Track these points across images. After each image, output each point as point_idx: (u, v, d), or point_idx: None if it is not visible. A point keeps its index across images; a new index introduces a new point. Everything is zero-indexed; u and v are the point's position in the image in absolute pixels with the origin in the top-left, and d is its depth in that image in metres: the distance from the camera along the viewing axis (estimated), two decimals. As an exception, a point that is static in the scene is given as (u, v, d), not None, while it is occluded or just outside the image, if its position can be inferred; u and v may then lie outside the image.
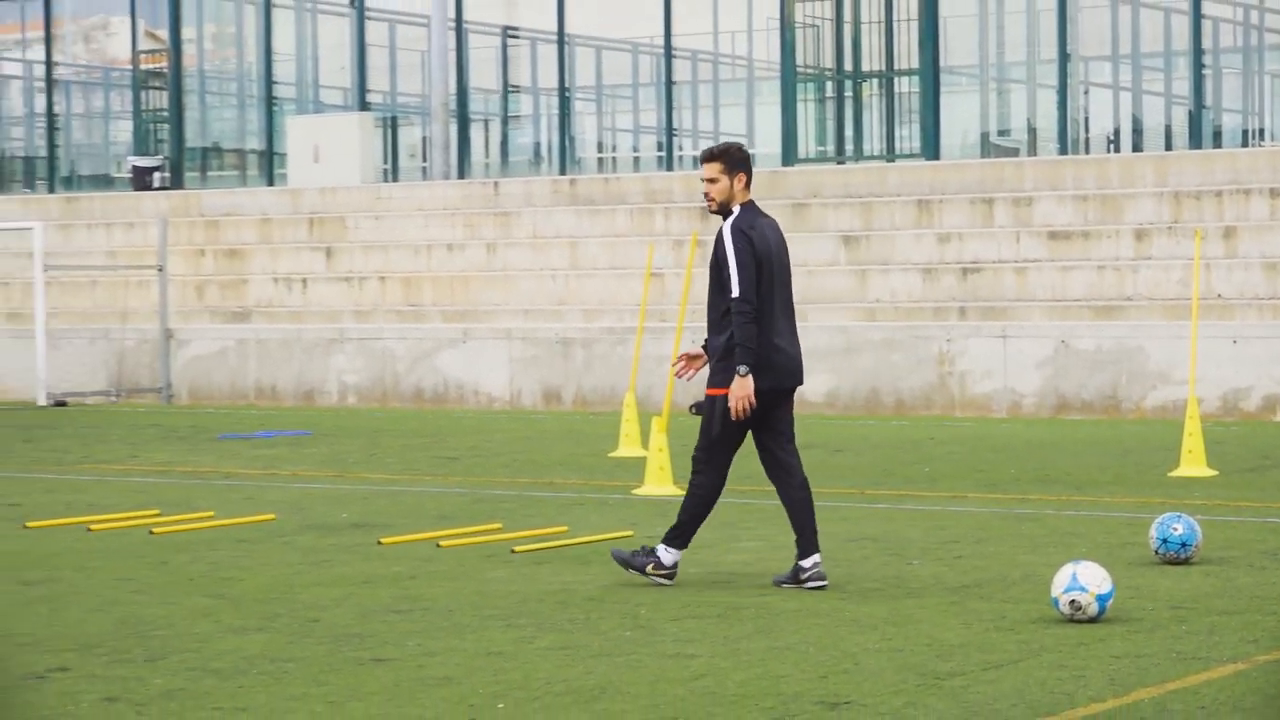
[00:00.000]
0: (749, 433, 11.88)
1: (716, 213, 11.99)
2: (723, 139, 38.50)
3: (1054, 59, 33.73)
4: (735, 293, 11.55)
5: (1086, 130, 34.57)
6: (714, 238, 11.94)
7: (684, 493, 11.97)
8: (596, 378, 29.82)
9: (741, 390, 11.42)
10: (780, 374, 11.82)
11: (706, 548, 13.49)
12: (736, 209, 11.89)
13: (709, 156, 11.92)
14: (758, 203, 12.27)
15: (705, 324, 11.94)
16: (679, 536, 11.84)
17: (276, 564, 12.93)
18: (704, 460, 11.92)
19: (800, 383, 12.14)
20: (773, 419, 11.91)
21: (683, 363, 12.16)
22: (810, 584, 11.53)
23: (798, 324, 12.19)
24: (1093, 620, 10.20)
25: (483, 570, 12.48)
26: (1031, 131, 34.63)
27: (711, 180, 11.84)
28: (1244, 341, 26.00)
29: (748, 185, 12.00)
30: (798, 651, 9.52)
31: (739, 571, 12.34)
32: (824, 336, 28.51)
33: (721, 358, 11.70)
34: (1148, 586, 11.39)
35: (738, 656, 9.41)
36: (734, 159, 11.94)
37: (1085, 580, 10.24)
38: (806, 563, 11.59)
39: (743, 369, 11.44)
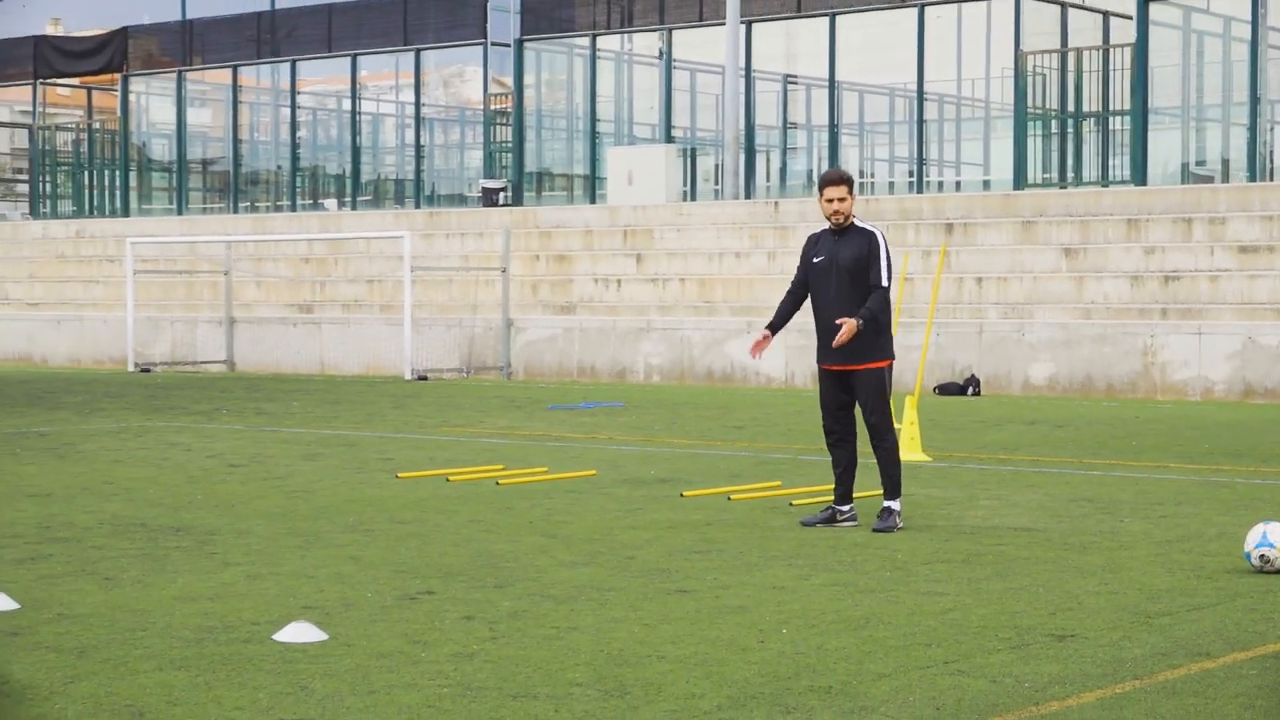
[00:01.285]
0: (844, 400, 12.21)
1: (840, 225, 11.88)
2: (963, 169, 38.42)
3: (1245, 101, 33.12)
4: (885, 283, 11.77)
5: (1271, 161, 33.89)
6: (853, 246, 11.85)
7: (882, 458, 12.03)
8: (857, 363, 29.68)
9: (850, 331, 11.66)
10: None
11: (951, 504, 13.43)
12: (854, 221, 11.89)
13: (840, 179, 11.90)
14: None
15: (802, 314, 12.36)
16: (898, 486, 12.00)
17: (598, 511, 13.01)
18: (889, 420, 12.09)
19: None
20: None
21: (757, 347, 12.35)
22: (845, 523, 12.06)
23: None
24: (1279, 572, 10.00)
25: (767, 519, 12.50)
26: (1224, 162, 34.00)
27: (841, 199, 11.79)
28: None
29: None
30: (1029, 592, 9.43)
31: (979, 525, 12.23)
32: (1047, 331, 28.24)
33: (875, 334, 11.84)
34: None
35: (979, 595, 9.35)
36: (853, 183, 12.05)
37: (1274, 538, 10.04)
38: (844, 507, 12.15)
39: (862, 322, 11.65)
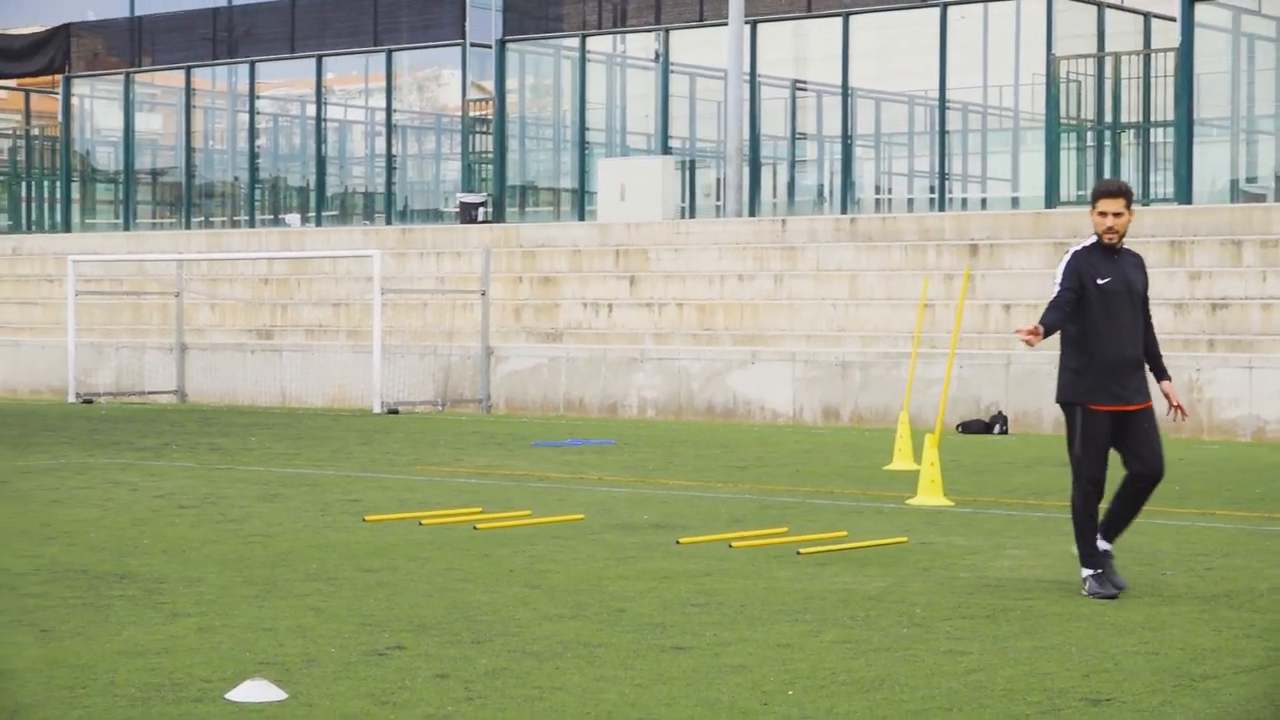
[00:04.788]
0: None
1: (1111, 245, 11.40)
2: (990, 185, 38.45)
3: (1300, 112, 33.20)
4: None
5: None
6: (1135, 270, 11.52)
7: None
8: (872, 397, 29.73)
9: None
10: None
11: (975, 554, 13.42)
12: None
13: (1118, 191, 11.42)
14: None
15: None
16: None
17: (586, 559, 13.02)
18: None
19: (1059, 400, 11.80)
20: None
21: (1026, 334, 11.22)
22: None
23: (1059, 353, 11.87)
24: (1336, 630, 10.01)
25: (771, 569, 12.49)
26: (1278, 178, 34.02)
27: (1117, 214, 11.32)
28: None
29: None
30: (1061, 651, 9.42)
31: (1006, 577, 12.23)
32: (1081, 364, 28.24)
33: (1158, 371, 11.67)
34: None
35: (1006, 654, 9.34)
36: (1132, 195, 11.56)
37: (1330, 592, 10.05)
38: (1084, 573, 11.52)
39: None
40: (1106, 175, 35.38)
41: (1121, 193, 11.36)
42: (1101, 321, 11.29)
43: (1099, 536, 11.46)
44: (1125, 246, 11.49)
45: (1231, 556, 13.39)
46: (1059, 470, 21.29)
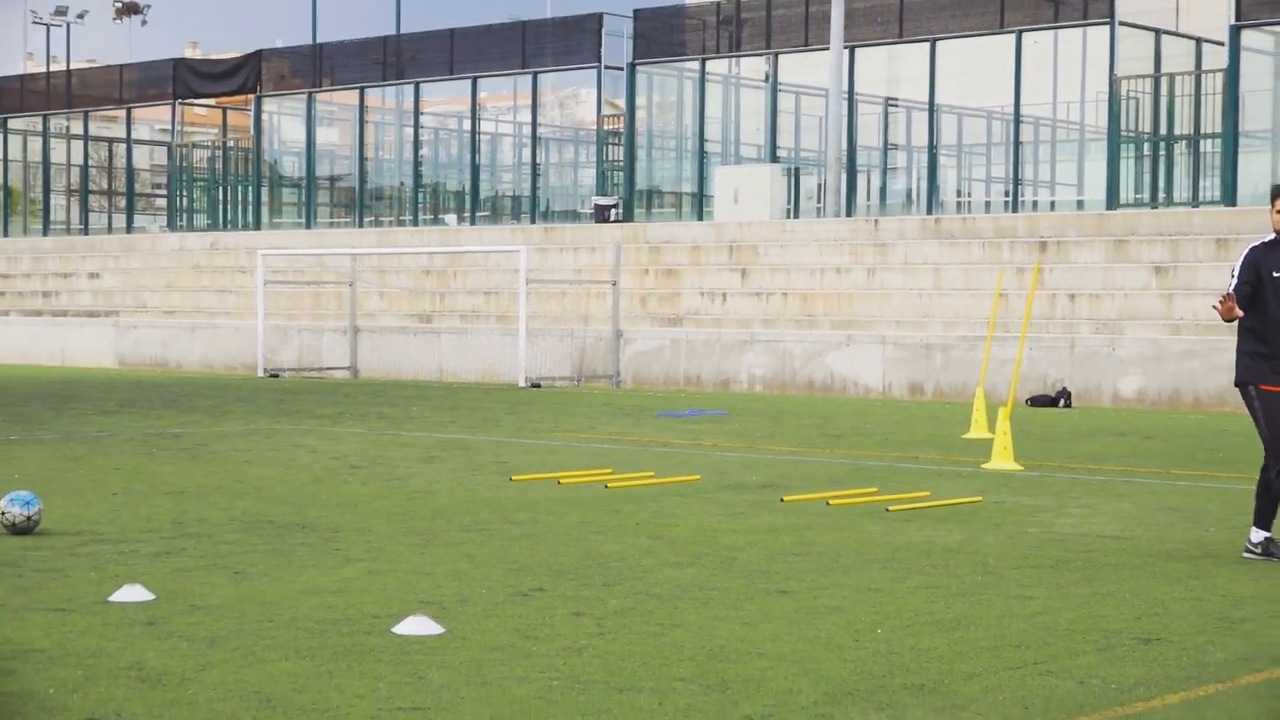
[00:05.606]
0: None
1: None
2: (1058, 189, 38.15)
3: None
4: None
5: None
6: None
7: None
8: (952, 375, 29.60)
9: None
10: None
11: (1041, 512, 13.33)
12: None
13: None
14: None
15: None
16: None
17: (701, 514, 12.99)
18: None
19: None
20: None
21: (1225, 305, 10.50)
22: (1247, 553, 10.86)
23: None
24: (1360, 582, 9.90)
25: (863, 524, 12.45)
26: (1314, 184, 33.57)
27: None
28: None
29: None
30: (1116, 597, 9.36)
31: (1068, 532, 12.13)
32: (1137, 346, 28.00)
33: None
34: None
35: (1067, 599, 9.28)
36: None
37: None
38: (1253, 535, 10.87)
39: None
40: (1161, 181, 35.05)
41: None
42: (1276, 311, 10.60)
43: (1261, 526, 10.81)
44: None
45: (1268, 517, 13.26)
46: (1116, 439, 21.21)
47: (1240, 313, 10.44)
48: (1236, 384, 10.83)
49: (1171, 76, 35.76)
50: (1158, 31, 36.27)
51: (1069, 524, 12.62)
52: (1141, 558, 10.88)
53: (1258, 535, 10.79)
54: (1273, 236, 10.70)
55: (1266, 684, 7.27)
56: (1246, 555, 10.84)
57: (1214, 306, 10.77)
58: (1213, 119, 34.49)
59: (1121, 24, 35.08)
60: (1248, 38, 33.36)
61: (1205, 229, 30.80)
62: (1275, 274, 10.60)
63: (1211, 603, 9.23)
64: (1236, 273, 10.71)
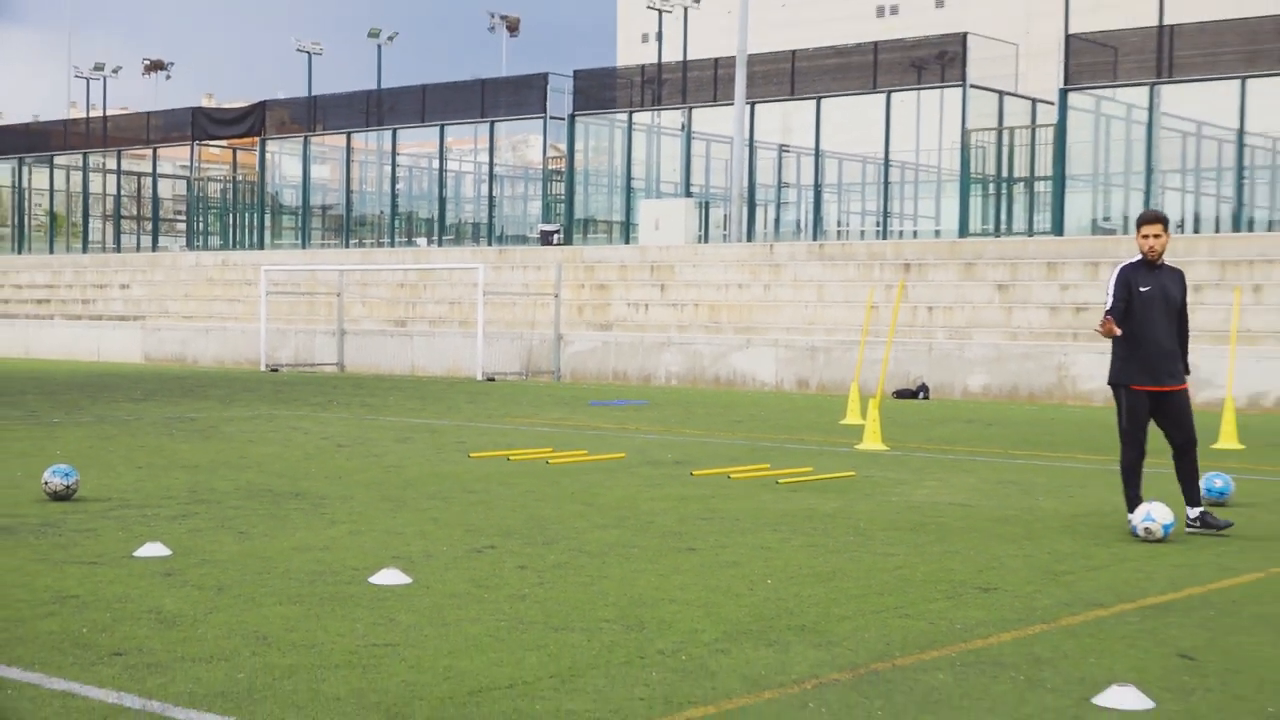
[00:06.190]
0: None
1: (1153, 261, 10.41)
2: (919, 221, 38.36)
3: (1142, 170, 33.07)
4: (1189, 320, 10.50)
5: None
6: (1173, 282, 10.47)
7: (1193, 468, 10.52)
8: (832, 372, 29.71)
9: None
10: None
11: (903, 484, 13.40)
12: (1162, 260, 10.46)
13: (1157, 218, 10.41)
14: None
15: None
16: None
17: (625, 485, 13.00)
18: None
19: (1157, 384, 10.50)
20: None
21: (1106, 326, 10.25)
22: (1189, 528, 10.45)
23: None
24: (1159, 541, 9.98)
25: (758, 494, 12.49)
26: (1125, 218, 33.89)
27: (1157, 236, 10.32)
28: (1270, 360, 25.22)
29: None
30: (962, 554, 9.42)
31: (924, 501, 12.21)
32: (982, 350, 28.19)
33: (1179, 360, 10.45)
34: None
35: (923, 555, 9.34)
36: (1168, 222, 10.50)
37: (1156, 514, 10.02)
38: (1191, 511, 10.52)
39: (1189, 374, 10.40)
40: (1003, 214, 35.31)
41: (1160, 219, 10.41)
42: (1141, 321, 10.35)
43: (1189, 505, 10.53)
44: (1165, 263, 10.54)
45: (1087, 487, 13.36)
46: (965, 426, 21.33)
47: (1119, 331, 10.24)
48: (1110, 383, 10.56)
49: (1012, 129, 36.06)
50: (1001, 93, 36.52)
51: (925, 494, 12.70)
52: (983, 522, 10.97)
53: (1131, 516, 10.30)
54: (1139, 258, 10.52)
55: (1083, 624, 7.35)
56: (1189, 531, 10.44)
57: (1096, 329, 10.56)
58: (1045, 164, 34.82)
59: (972, 86, 35.33)
60: (1073, 99, 33.65)
61: (1038, 254, 31.04)
62: (1142, 289, 10.38)
63: (1039, 559, 9.31)
64: (1111, 291, 10.45)
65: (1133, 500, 10.44)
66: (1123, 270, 10.46)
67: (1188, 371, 10.55)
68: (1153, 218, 10.41)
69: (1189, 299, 10.46)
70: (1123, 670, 6.39)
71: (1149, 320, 10.33)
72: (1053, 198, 33.73)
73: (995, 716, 5.66)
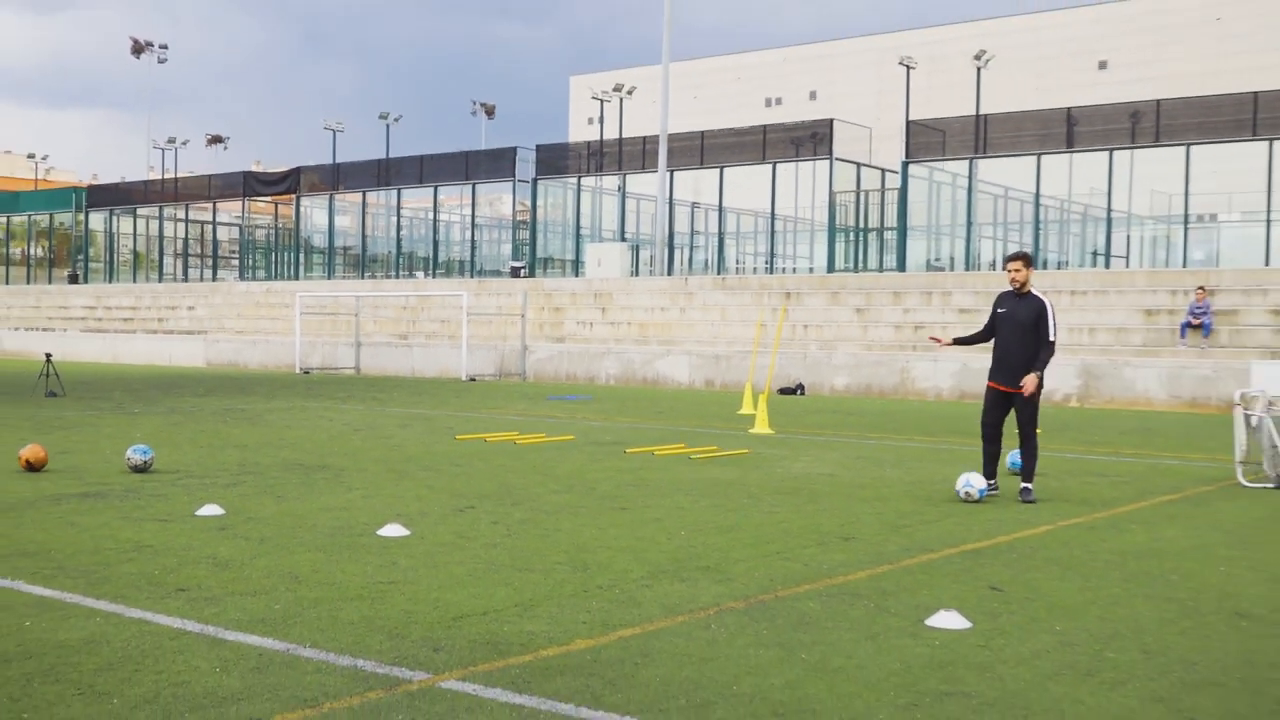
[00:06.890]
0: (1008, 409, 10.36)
1: (1019, 290, 10.16)
2: (798, 260, 38.52)
3: (964, 222, 33.34)
4: (1052, 338, 10.01)
5: (979, 258, 34.09)
6: (1024, 307, 10.11)
7: (1030, 452, 10.33)
8: (732, 375, 29.77)
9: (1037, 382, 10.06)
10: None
11: (785, 459, 13.42)
12: (1030, 289, 10.20)
13: (1018, 256, 10.15)
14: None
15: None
16: (1033, 473, 10.39)
17: (575, 460, 12.96)
18: (1036, 427, 10.29)
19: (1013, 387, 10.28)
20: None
21: (939, 342, 10.52)
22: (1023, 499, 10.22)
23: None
24: (976, 502, 10.06)
25: (676, 467, 12.47)
26: (951, 258, 34.18)
27: (1018, 270, 10.07)
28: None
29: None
30: (828, 512, 9.46)
31: (801, 473, 12.25)
32: (844, 358, 28.31)
33: (1031, 369, 10.07)
34: (1006, 487, 11.19)
35: (800, 513, 9.37)
36: (1029, 259, 10.22)
37: (972, 480, 10.10)
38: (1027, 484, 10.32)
39: (1042, 374, 10.07)
40: (860, 255, 35.51)
41: (1020, 257, 10.16)
42: (999, 336, 10.22)
43: (1021, 479, 10.38)
44: (1031, 292, 10.17)
45: (922, 462, 13.45)
46: (831, 415, 21.40)
47: (945, 341, 10.45)
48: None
49: (867, 192, 36.31)
50: (859, 164, 36.78)
51: (801, 467, 12.76)
52: (845, 488, 11.03)
53: (984, 482, 10.15)
54: (1010, 289, 10.28)
55: (919, 565, 7.40)
56: (1023, 503, 10.12)
57: (931, 338, 10.71)
58: (891, 218, 35.07)
59: (837, 159, 35.55)
60: (913, 169, 33.92)
61: (886, 286, 31.24)
62: (1000, 310, 10.20)
63: (887, 516, 9.37)
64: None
65: (986, 471, 10.44)
66: (998, 297, 10.36)
67: (1031, 371, 10.08)
68: (1013, 256, 10.23)
69: (1056, 321, 10.24)
70: (948, 599, 6.45)
71: (1002, 335, 10.21)
72: (897, 243, 33.99)
73: (852, 634, 5.70)
